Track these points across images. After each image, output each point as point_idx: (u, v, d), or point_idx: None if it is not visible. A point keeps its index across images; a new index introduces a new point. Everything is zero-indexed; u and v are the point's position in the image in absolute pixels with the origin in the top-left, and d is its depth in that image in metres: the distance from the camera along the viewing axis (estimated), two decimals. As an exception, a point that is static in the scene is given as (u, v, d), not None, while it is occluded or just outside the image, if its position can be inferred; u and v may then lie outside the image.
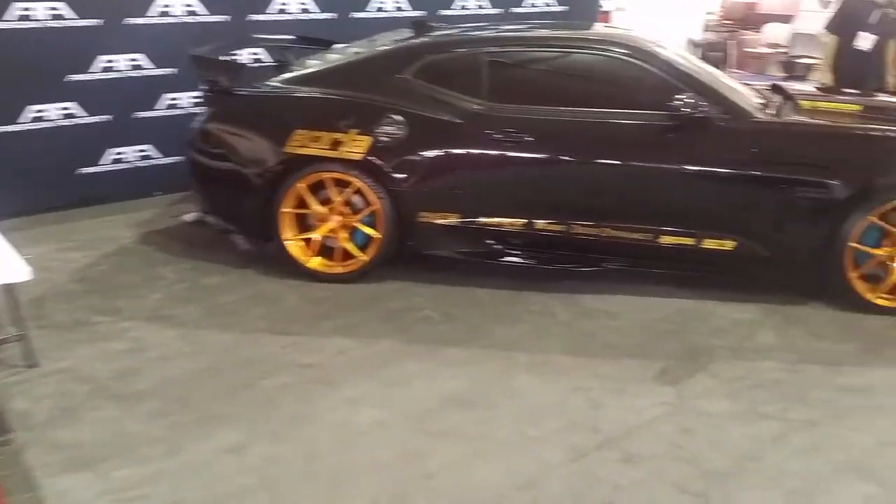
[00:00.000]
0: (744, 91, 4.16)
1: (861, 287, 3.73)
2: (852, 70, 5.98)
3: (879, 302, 3.72)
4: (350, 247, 4.13)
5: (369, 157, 3.94)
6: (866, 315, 3.71)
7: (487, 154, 3.91)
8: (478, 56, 4.02)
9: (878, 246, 3.73)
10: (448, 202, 4.00)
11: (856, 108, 4.11)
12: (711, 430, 2.83)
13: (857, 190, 3.56)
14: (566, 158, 3.87)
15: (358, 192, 4.04)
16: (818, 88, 5.82)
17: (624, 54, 3.89)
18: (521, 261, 4.04)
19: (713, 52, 11.58)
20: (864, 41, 5.95)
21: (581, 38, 4.16)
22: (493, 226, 4.00)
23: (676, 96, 3.67)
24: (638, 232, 3.87)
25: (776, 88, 4.57)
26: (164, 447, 2.74)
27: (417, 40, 4.30)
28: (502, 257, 4.06)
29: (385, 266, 4.17)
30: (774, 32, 12.01)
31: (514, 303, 3.91)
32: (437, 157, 3.95)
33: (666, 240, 3.85)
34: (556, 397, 3.05)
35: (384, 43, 4.38)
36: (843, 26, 6.12)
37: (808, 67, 11.49)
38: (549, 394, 3.08)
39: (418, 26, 4.53)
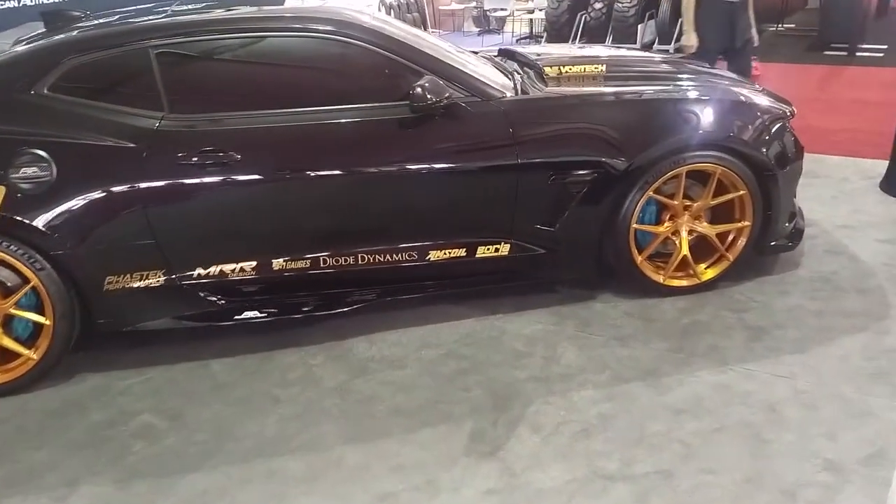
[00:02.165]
0: (481, 64, 3.55)
1: (649, 270, 3.34)
2: (720, 26, 5.32)
3: (671, 283, 3.36)
4: (9, 343, 2.87)
5: (6, 215, 2.70)
6: (659, 300, 3.34)
7: (183, 184, 2.85)
8: (144, 52, 2.89)
9: (657, 222, 3.36)
10: (144, 257, 2.90)
11: (600, 68, 3.68)
12: (559, 518, 2.18)
13: (631, 164, 3.10)
14: (292, 176, 2.95)
15: (3, 265, 2.79)
16: (678, 51, 5.23)
17: (334, 33, 3.01)
18: (263, 315, 3.07)
19: (409, 14, 11.16)
20: None
21: (275, 18, 3.16)
22: (214, 277, 2.98)
23: (417, 83, 2.91)
24: (401, 252, 3.10)
25: (506, 54, 4.05)
26: None
27: (53, 39, 3.04)
28: (237, 315, 3.06)
29: (73, 357, 2.98)
30: (464, -13, 11.91)
31: (264, 373, 2.96)
32: (110, 198, 2.80)
33: (435, 255, 3.14)
34: (353, 526, 2.21)
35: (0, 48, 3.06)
36: None
37: (503, 21, 11.60)
38: (342, 522, 2.22)
39: (52, 18, 3.25)
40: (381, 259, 3.09)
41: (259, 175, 2.91)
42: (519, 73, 3.57)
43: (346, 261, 3.06)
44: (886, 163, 4.60)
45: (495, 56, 4.06)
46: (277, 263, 3.01)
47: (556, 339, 3.09)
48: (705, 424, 2.54)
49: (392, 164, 3.01)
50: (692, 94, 3.35)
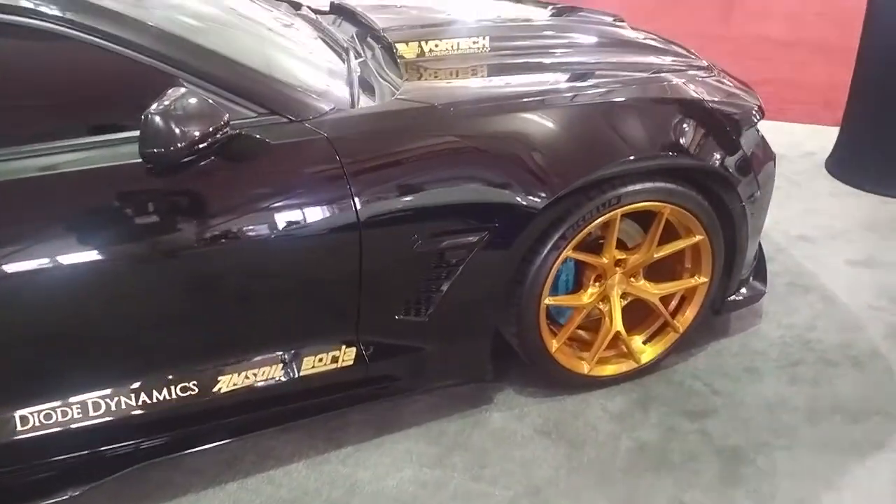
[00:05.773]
0: (300, 41, 2.24)
1: (568, 358, 2.23)
2: None
3: (600, 372, 2.27)
4: None
5: None
6: (583, 399, 2.25)
7: None
8: None
9: (576, 288, 2.24)
10: None
11: (481, 43, 2.41)
12: None
13: (539, 213, 1.93)
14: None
15: None
16: None
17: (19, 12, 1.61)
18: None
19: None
20: None
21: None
22: None
23: (152, 108, 1.56)
24: (167, 386, 1.83)
25: (341, 11, 2.75)
26: None
27: None
28: None
29: None
30: None
31: None
32: None
33: (229, 382, 1.89)
34: None
35: None
36: None
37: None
38: None
39: None
40: (132, 402, 1.81)
41: None
42: (358, 54, 2.30)
43: (74, 414, 1.76)
44: (824, 129, 3.72)
45: (327, 13, 2.76)
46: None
47: (434, 502, 1.96)
48: None
49: (136, 240, 1.68)
50: (621, 93, 2.13)
